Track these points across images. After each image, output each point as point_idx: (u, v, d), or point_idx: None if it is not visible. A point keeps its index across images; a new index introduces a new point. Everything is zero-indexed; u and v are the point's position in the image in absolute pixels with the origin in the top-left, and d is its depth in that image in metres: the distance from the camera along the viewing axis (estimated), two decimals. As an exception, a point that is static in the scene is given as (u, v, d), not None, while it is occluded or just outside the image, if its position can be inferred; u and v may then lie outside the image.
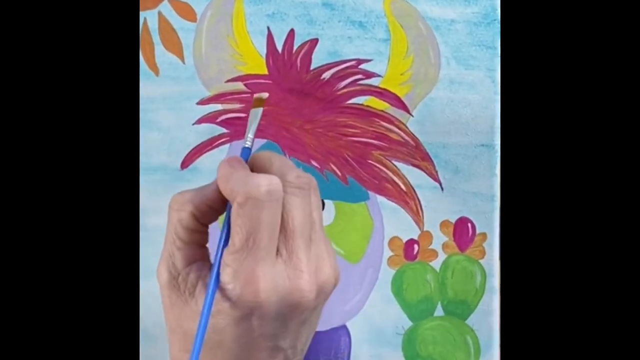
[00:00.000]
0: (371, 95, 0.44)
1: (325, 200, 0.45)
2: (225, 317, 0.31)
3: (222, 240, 0.32)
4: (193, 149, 0.45)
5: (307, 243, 0.32)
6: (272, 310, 0.31)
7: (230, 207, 0.32)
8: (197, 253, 0.33)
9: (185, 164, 0.45)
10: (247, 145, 0.35)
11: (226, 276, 0.31)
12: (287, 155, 0.44)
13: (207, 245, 0.34)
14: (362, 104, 0.44)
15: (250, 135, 0.35)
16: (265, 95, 0.35)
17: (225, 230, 0.32)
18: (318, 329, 0.35)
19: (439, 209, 0.45)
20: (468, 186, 0.44)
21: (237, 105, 0.44)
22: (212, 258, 0.33)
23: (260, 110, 0.35)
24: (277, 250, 0.32)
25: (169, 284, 0.33)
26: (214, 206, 0.33)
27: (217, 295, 0.31)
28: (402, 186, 0.44)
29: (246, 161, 0.34)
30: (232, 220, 0.31)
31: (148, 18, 0.44)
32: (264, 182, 0.31)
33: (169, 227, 0.33)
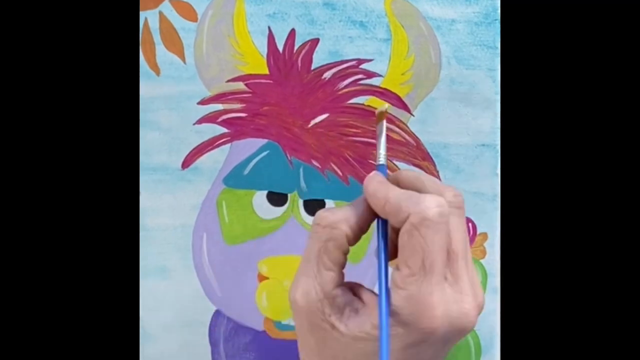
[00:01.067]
0: (372, 95, 0.44)
1: (326, 200, 0.45)
2: (397, 342, 0.30)
3: (383, 261, 0.32)
4: (194, 149, 0.45)
5: (466, 265, 0.32)
6: (443, 336, 0.30)
7: (382, 222, 0.32)
8: (340, 276, 0.32)
9: (186, 164, 0.45)
10: (381, 162, 0.34)
11: (400, 300, 0.30)
12: (289, 156, 0.44)
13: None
14: (363, 104, 0.44)
15: (382, 151, 0.34)
16: (386, 106, 0.35)
17: (383, 250, 0.32)
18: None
19: (439, 209, 0.45)
20: (469, 186, 0.44)
21: (238, 105, 0.44)
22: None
23: (384, 123, 0.35)
24: (444, 275, 0.31)
25: (314, 306, 0.31)
26: (363, 227, 0.33)
27: (390, 320, 0.30)
28: (403, 186, 0.44)
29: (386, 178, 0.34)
30: (403, 243, 0.30)
31: (149, 18, 0.44)
32: (434, 203, 0.30)
33: (314, 246, 0.32)
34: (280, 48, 0.44)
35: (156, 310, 0.45)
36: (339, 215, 0.32)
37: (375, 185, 0.32)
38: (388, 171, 0.35)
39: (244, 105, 0.44)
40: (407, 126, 0.44)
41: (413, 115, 0.44)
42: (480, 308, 0.32)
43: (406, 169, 0.34)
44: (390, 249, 0.33)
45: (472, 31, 0.44)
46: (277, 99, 0.44)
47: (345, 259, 0.33)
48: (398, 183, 0.34)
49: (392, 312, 0.30)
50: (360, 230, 0.33)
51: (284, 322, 0.45)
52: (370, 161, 0.44)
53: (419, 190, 0.32)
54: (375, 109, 0.44)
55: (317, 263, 0.32)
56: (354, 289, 0.33)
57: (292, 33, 0.44)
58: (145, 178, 0.45)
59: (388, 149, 0.44)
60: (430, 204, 0.30)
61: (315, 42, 0.44)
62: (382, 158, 0.35)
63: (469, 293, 0.31)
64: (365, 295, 0.32)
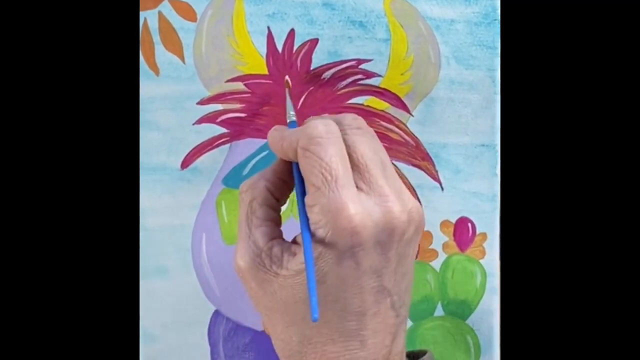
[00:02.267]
0: (371, 95, 0.44)
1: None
2: (326, 259, 0.31)
3: (300, 192, 0.33)
4: (193, 149, 0.45)
5: (384, 175, 0.32)
6: (370, 237, 0.30)
7: (295, 165, 0.33)
8: (275, 231, 0.33)
9: (185, 164, 0.45)
10: (293, 119, 0.36)
11: (315, 215, 0.31)
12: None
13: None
14: (362, 104, 0.44)
15: (291, 112, 0.37)
16: (286, 77, 0.37)
17: (298, 184, 0.33)
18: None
19: (439, 209, 0.45)
20: (468, 186, 0.44)
21: (237, 105, 0.44)
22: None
23: (288, 90, 0.39)
24: (357, 186, 0.31)
25: (253, 263, 0.32)
26: (282, 177, 0.34)
27: (312, 242, 0.31)
28: (403, 186, 0.44)
29: None
30: (302, 167, 0.32)
31: (148, 18, 0.44)
32: (319, 123, 0.31)
33: (242, 212, 0.33)
34: (280, 48, 0.44)
35: (156, 310, 0.45)
36: (255, 176, 0.34)
37: (272, 132, 0.34)
38: None
39: (243, 105, 0.44)
40: (406, 126, 0.44)
41: (412, 116, 0.44)
42: (411, 213, 0.32)
43: (311, 118, 0.35)
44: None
45: (471, 31, 0.44)
46: (276, 99, 0.44)
47: (277, 214, 0.34)
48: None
49: (312, 234, 0.31)
50: (282, 182, 0.34)
51: (284, 322, 0.45)
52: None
53: None
54: (376, 109, 0.44)
55: (247, 225, 0.33)
56: (293, 240, 0.34)
57: (292, 33, 0.44)
58: (145, 178, 0.45)
59: (387, 149, 0.44)
60: (315, 124, 0.31)
61: (314, 42, 0.44)
62: (293, 116, 0.37)
63: (390, 194, 0.31)
64: (299, 238, 0.33)
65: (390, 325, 0.32)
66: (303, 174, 0.32)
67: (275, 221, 0.34)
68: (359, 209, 0.30)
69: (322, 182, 0.31)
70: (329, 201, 0.30)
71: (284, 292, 0.32)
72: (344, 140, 0.32)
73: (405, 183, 0.44)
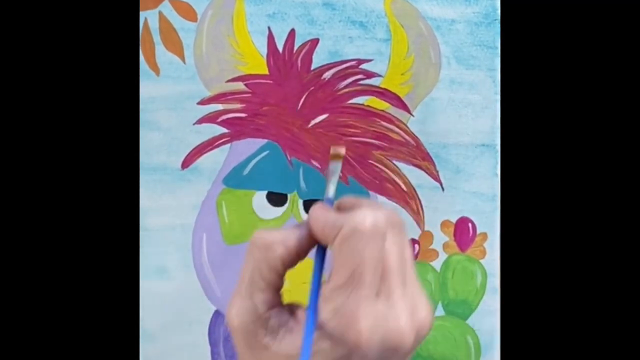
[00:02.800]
0: (372, 95, 0.44)
1: (326, 200, 0.45)
2: (323, 357, 0.30)
3: (317, 279, 0.31)
4: (193, 149, 0.45)
5: (403, 282, 0.31)
6: (373, 352, 0.29)
7: (320, 248, 0.32)
8: (275, 297, 0.32)
9: (185, 164, 0.45)
10: (330, 197, 0.34)
11: (327, 313, 0.30)
12: (288, 156, 0.44)
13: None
14: (362, 104, 0.44)
15: (332, 186, 0.34)
16: (343, 150, 0.35)
17: (317, 270, 0.31)
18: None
19: (439, 209, 0.45)
20: (469, 186, 0.44)
21: (237, 105, 0.44)
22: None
23: (339, 164, 0.35)
24: (376, 290, 0.30)
25: (247, 327, 0.31)
26: (301, 251, 0.32)
27: (315, 334, 0.30)
28: (403, 186, 0.44)
29: None
30: (335, 255, 0.30)
31: (149, 18, 0.44)
32: (369, 216, 0.30)
33: (248, 265, 0.32)
34: (280, 48, 0.44)
35: (156, 310, 0.45)
36: (275, 236, 0.32)
37: (317, 209, 0.32)
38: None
39: (243, 105, 0.44)
40: (406, 126, 0.44)
41: (413, 116, 0.44)
42: (419, 328, 0.31)
43: (347, 196, 0.34)
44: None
45: (472, 31, 0.44)
46: (276, 99, 0.44)
47: (282, 281, 0.32)
48: (339, 208, 0.33)
49: (318, 326, 0.30)
50: (297, 255, 0.32)
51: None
52: (370, 161, 0.44)
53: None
54: (376, 109, 0.44)
55: (250, 284, 0.31)
56: (292, 309, 0.32)
57: (292, 33, 0.44)
58: (145, 178, 0.45)
59: (388, 149, 0.44)
60: (364, 216, 0.30)
61: (315, 42, 0.44)
62: (331, 193, 0.34)
63: (404, 310, 0.30)
64: (300, 314, 0.32)
65: None
66: (333, 262, 0.30)
67: (278, 288, 0.32)
68: (370, 322, 0.29)
69: (348, 281, 0.29)
70: (345, 305, 0.29)
71: None
72: None
73: (405, 183, 0.44)
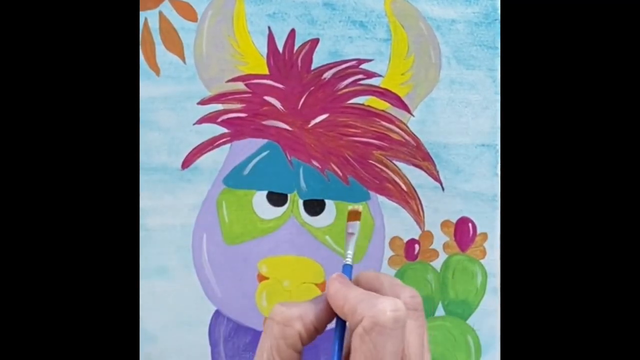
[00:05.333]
0: (372, 95, 0.44)
1: (326, 200, 0.45)
2: None
3: (337, 353, 0.31)
4: (194, 149, 0.45)
5: None
6: None
7: (340, 323, 0.31)
8: None
9: (185, 164, 0.45)
10: (348, 262, 0.34)
11: None
12: (288, 156, 0.44)
13: None
14: (362, 104, 0.44)
15: (350, 251, 0.34)
16: (360, 208, 0.35)
17: (337, 353, 0.31)
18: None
19: (439, 209, 0.45)
20: (469, 186, 0.44)
21: (238, 105, 0.44)
22: None
23: (358, 223, 0.35)
24: None
25: None
26: (319, 327, 0.32)
27: None
28: (403, 186, 0.45)
29: (350, 278, 0.33)
30: (354, 345, 0.30)
31: (149, 18, 0.44)
32: (390, 307, 0.29)
33: (267, 340, 0.31)
34: (280, 48, 0.44)
35: (156, 310, 0.45)
36: (294, 311, 0.31)
37: (337, 285, 0.32)
38: (353, 272, 0.35)
39: (243, 105, 0.44)
40: (407, 126, 0.44)
41: (413, 116, 0.44)
42: None
43: (367, 271, 0.33)
44: (345, 353, 0.32)
45: (472, 31, 0.44)
46: (276, 99, 0.44)
47: (300, 357, 0.32)
48: (358, 283, 0.33)
49: None
50: (315, 330, 0.32)
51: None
52: (370, 161, 0.44)
53: (377, 290, 0.32)
54: (376, 109, 0.44)
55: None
56: None
57: (292, 33, 0.44)
58: (145, 178, 0.45)
59: (388, 149, 0.44)
60: (385, 308, 0.29)
61: (315, 42, 0.44)
62: (349, 259, 0.34)
63: None
64: None
65: None
66: (352, 352, 0.30)
67: None
68: None
69: None
70: None
71: None
72: None
73: (405, 183, 0.44)
